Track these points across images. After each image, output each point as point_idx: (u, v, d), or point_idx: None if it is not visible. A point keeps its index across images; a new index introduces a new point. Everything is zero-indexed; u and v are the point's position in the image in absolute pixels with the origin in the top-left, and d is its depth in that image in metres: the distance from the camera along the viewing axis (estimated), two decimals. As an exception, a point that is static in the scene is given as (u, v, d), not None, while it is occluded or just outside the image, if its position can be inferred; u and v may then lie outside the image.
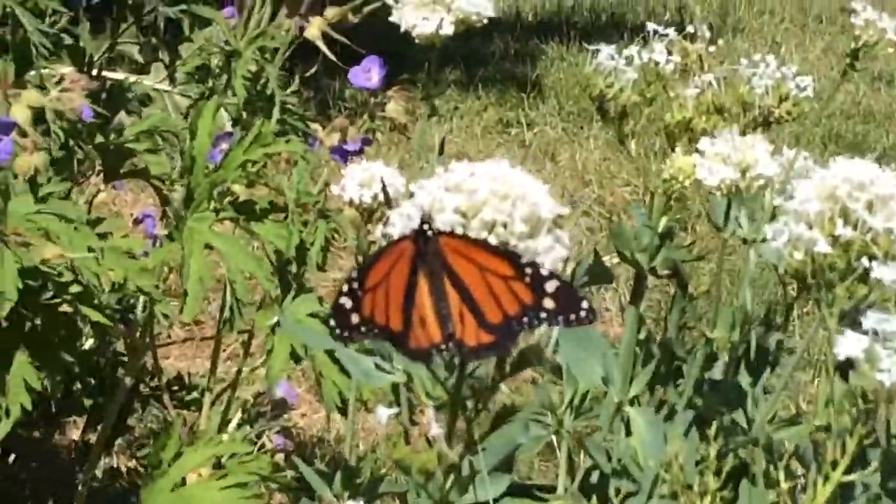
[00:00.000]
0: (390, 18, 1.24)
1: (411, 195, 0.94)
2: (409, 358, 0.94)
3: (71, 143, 1.55)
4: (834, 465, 0.74)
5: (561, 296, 0.90)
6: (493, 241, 0.91)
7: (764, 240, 1.18)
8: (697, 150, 1.10)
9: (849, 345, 0.76)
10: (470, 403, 0.95)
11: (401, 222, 0.93)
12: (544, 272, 0.90)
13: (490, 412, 0.97)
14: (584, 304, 0.90)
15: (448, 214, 0.91)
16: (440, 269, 0.91)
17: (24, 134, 1.35)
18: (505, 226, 0.91)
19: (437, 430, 0.95)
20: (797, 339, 1.14)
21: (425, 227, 0.91)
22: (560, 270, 0.92)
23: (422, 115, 1.33)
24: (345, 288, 0.91)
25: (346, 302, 0.91)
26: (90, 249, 1.37)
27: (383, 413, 0.96)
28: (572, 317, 0.90)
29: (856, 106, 3.95)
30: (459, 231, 0.91)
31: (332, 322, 0.92)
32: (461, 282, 0.91)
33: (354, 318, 0.92)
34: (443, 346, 0.91)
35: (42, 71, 1.51)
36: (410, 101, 1.54)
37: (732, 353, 1.20)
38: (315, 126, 1.58)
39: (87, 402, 1.79)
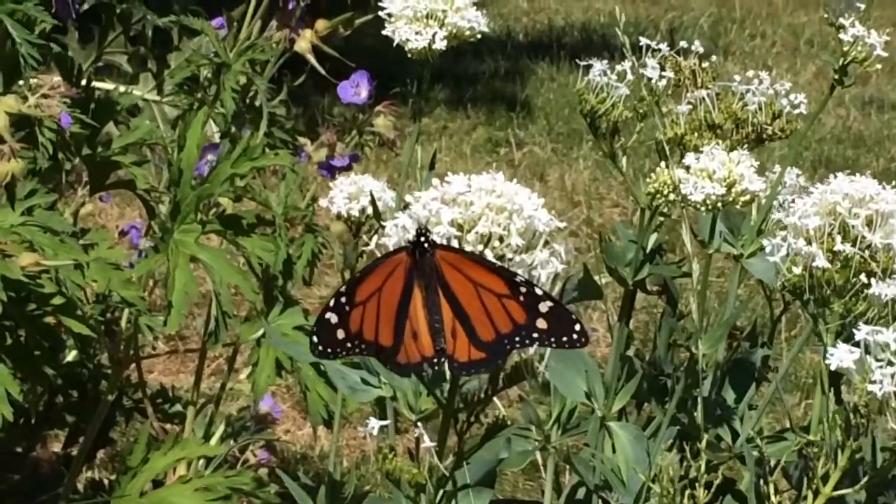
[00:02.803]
0: (383, 32, 1.23)
1: (404, 208, 0.93)
2: (397, 373, 0.93)
3: (59, 154, 1.54)
4: (825, 479, 0.74)
5: (554, 317, 0.89)
6: (489, 254, 0.90)
7: (751, 255, 1.17)
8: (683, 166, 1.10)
9: (840, 356, 0.76)
10: (461, 416, 0.94)
11: (396, 233, 0.92)
12: (538, 292, 0.89)
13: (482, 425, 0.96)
14: (577, 328, 0.89)
15: (444, 227, 0.90)
16: (435, 283, 0.90)
17: (0, 140, 1.33)
18: (501, 239, 0.90)
19: (428, 442, 0.94)
20: (784, 362, 1.14)
21: (422, 239, 0.90)
22: (550, 287, 0.91)
23: (410, 133, 1.32)
24: (331, 303, 0.90)
25: (332, 317, 0.90)
26: (75, 261, 1.36)
27: (375, 424, 0.96)
28: (564, 339, 0.89)
29: (846, 130, 3.95)
30: (455, 244, 0.90)
31: (315, 339, 0.90)
32: (455, 297, 0.90)
33: (340, 334, 0.90)
34: (434, 360, 0.90)
35: (31, 81, 1.49)
36: (399, 117, 1.53)
37: (718, 369, 1.19)
38: (303, 140, 1.57)
39: (69, 415, 1.78)
